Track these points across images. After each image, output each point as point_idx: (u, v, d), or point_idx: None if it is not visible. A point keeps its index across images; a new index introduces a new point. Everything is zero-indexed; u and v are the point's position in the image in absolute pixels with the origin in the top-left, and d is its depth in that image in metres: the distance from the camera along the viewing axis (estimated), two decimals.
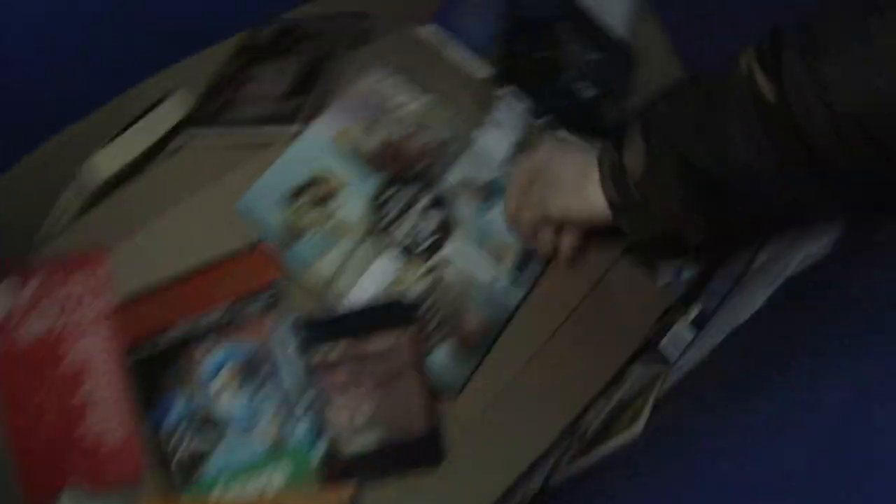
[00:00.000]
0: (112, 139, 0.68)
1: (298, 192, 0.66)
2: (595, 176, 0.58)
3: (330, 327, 0.65)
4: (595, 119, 0.79)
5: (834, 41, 0.45)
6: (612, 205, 0.58)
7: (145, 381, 0.63)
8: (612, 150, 0.58)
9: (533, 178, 0.65)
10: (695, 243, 0.58)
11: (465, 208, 0.69)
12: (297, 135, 0.67)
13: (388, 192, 0.68)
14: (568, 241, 0.68)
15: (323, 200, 0.66)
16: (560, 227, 0.67)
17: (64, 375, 0.63)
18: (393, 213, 0.67)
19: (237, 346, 0.63)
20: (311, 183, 0.66)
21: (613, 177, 0.57)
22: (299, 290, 0.65)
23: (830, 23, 0.46)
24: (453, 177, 0.70)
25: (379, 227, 0.67)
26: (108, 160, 0.67)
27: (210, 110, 0.73)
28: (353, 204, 0.67)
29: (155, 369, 0.63)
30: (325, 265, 0.65)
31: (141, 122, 0.69)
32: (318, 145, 0.67)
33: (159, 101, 0.71)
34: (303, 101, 0.69)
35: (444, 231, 0.68)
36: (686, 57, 0.88)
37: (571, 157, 0.62)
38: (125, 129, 0.69)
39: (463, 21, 0.75)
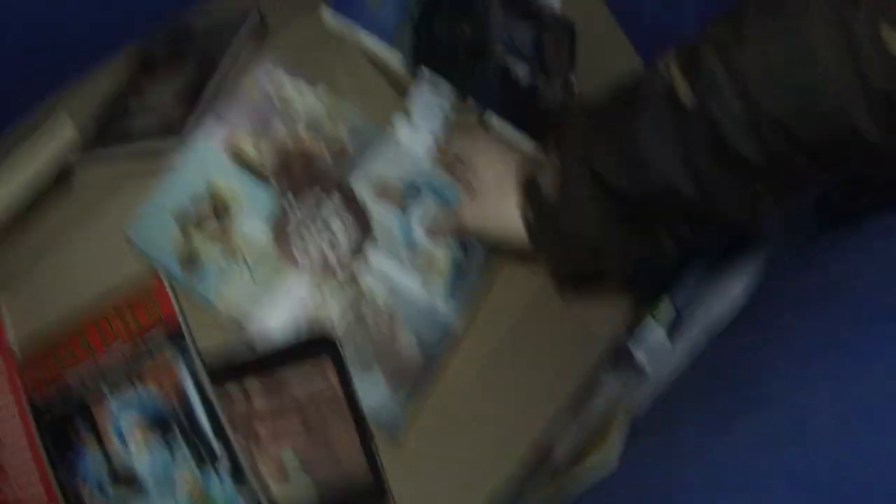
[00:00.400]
0: None
1: (190, 212, 0.57)
2: (513, 191, 0.53)
3: (243, 365, 0.56)
4: (532, 103, 0.70)
5: (753, 30, 0.38)
6: (528, 227, 0.53)
7: (56, 439, 0.56)
8: (531, 166, 0.53)
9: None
10: (618, 277, 0.53)
11: (382, 215, 0.60)
12: (180, 146, 0.58)
13: (287, 204, 0.58)
14: None
15: (218, 219, 0.57)
16: None
17: None
18: (296, 226, 0.58)
19: (144, 395, 0.54)
20: (203, 200, 0.57)
21: (530, 195, 0.52)
22: (204, 322, 0.56)
23: (752, 10, 0.39)
24: (363, 180, 0.61)
25: (281, 243, 0.57)
26: None
27: (98, 129, 0.64)
28: (252, 220, 0.57)
29: (64, 426, 0.55)
30: (230, 291, 0.56)
31: (21, 151, 0.60)
32: (205, 158, 0.58)
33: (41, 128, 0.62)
34: (187, 110, 0.59)
35: (358, 242, 0.59)
36: (632, 31, 0.81)
37: (493, 163, 0.56)
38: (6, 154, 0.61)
39: (365, 6, 0.65)
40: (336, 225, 0.59)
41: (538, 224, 0.52)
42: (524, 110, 0.69)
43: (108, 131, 0.64)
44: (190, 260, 0.56)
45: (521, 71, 0.71)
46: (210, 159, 0.58)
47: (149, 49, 0.69)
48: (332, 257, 0.58)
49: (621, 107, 0.47)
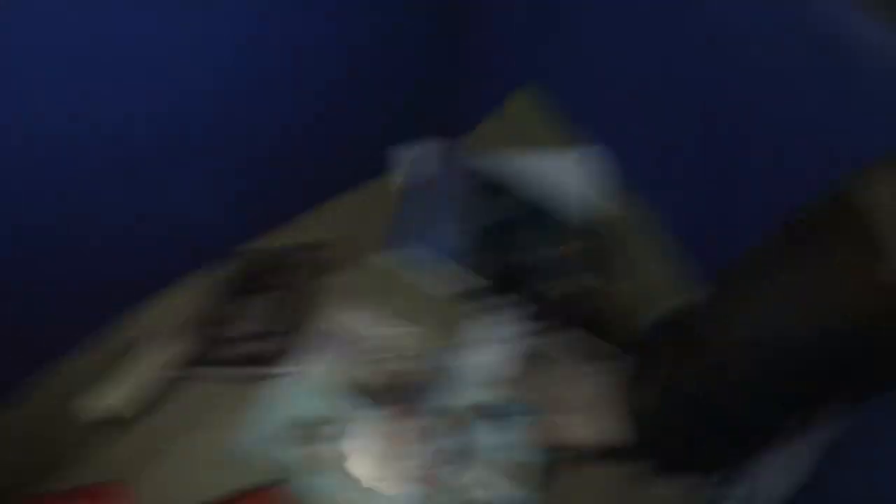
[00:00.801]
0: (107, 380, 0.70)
1: (305, 428, 0.66)
2: (607, 407, 0.60)
3: None
4: (588, 311, 0.79)
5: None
6: (626, 439, 0.59)
7: None
8: (619, 382, 0.60)
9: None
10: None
11: (477, 432, 0.69)
12: (282, 374, 0.69)
13: (392, 426, 0.67)
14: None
15: (322, 439, 0.66)
16: None
17: None
18: (402, 446, 0.67)
19: None
20: (311, 422, 0.67)
21: (630, 407, 0.59)
22: None
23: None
24: (457, 401, 0.70)
25: (390, 461, 0.66)
26: (95, 402, 0.69)
27: (200, 349, 0.74)
28: (357, 440, 0.67)
29: None
30: (339, 499, 0.64)
31: (128, 367, 0.71)
32: (312, 384, 0.69)
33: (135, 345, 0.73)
34: (280, 340, 0.72)
35: (461, 459, 0.67)
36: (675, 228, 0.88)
37: (579, 385, 0.64)
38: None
39: (416, 240, 0.78)
40: (437, 446, 0.67)
41: (638, 435, 0.58)
42: (582, 322, 0.77)
43: (210, 351, 0.74)
44: (303, 473, 0.65)
45: (568, 288, 0.80)
46: (317, 386, 0.69)
47: (226, 277, 0.79)
48: (437, 473, 0.66)
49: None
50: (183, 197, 0.71)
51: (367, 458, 0.66)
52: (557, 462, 0.68)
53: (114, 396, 0.69)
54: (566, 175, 0.84)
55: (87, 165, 0.60)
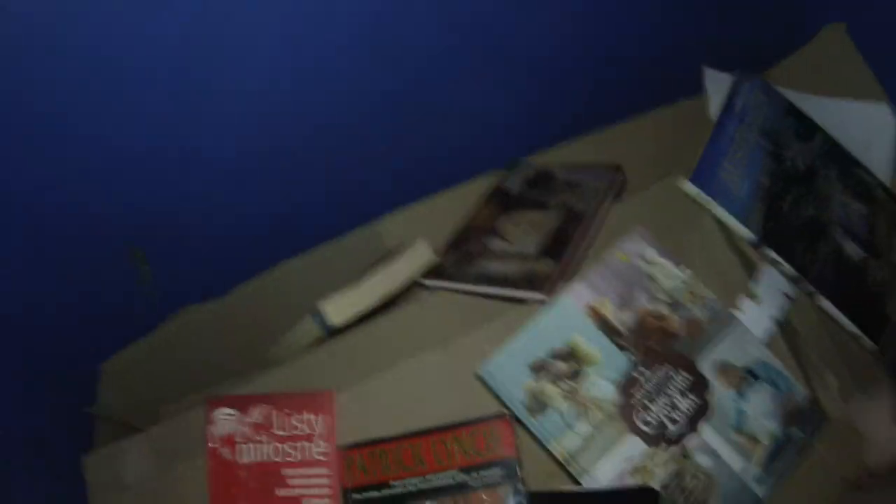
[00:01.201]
0: (351, 282, 0.68)
1: (545, 363, 0.63)
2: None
3: (565, 503, 0.62)
4: (859, 285, 0.71)
5: None
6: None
7: None
8: None
9: None
10: None
11: (719, 395, 0.64)
12: (544, 302, 0.64)
13: (639, 373, 0.63)
14: None
15: (570, 375, 0.63)
16: None
17: (282, 499, 0.65)
18: (642, 396, 0.63)
19: None
20: (560, 355, 0.63)
21: None
22: (537, 463, 0.62)
23: None
24: (709, 360, 0.65)
25: (626, 409, 0.62)
26: (346, 306, 0.66)
27: (452, 261, 0.71)
28: (601, 382, 0.63)
29: None
30: (568, 442, 0.61)
31: (381, 271, 0.68)
32: (569, 317, 0.63)
33: (399, 248, 0.71)
34: (553, 266, 0.65)
35: (695, 419, 0.63)
36: None
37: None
38: (364, 271, 0.69)
39: (722, 179, 0.68)
40: (678, 401, 0.63)
41: None
42: (852, 293, 0.70)
43: (462, 265, 0.70)
44: (538, 407, 0.62)
45: (852, 252, 0.72)
46: (574, 319, 0.63)
47: (505, 187, 0.75)
48: (669, 431, 0.63)
49: None
50: (474, 97, 0.68)
51: (598, 402, 0.62)
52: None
53: (346, 306, 0.68)
54: (870, 127, 0.72)
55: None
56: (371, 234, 0.75)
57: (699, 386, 0.64)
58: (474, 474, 0.62)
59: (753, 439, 0.64)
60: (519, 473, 0.61)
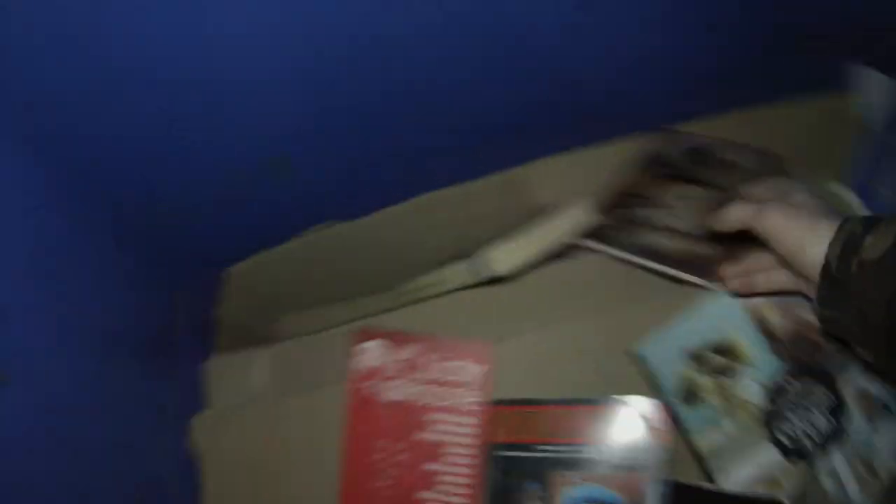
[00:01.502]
0: (512, 233, 0.65)
1: (703, 354, 0.62)
2: (828, 231, 0.51)
3: (701, 500, 0.60)
4: None
5: None
6: (824, 268, 0.50)
7: (498, 480, 0.62)
8: (860, 222, 0.50)
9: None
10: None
11: (855, 421, 0.63)
12: (711, 290, 0.63)
13: (786, 382, 0.62)
14: (769, 279, 0.59)
15: (725, 370, 0.62)
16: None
17: (423, 443, 0.63)
18: (785, 407, 0.62)
19: (600, 491, 0.60)
20: (718, 349, 0.62)
21: (844, 244, 0.49)
22: (677, 453, 0.61)
23: None
24: (851, 384, 0.64)
25: (769, 416, 0.61)
26: (511, 256, 0.63)
27: (611, 225, 0.68)
28: (752, 384, 0.62)
29: (510, 472, 0.62)
30: (712, 438, 0.60)
31: (543, 224, 0.65)
32: (732, 311, 0.62)
33: (558, 204, 0.67)
34: (716, 251, 0.64)
35: (829, 441, 0.62)
36: None
37: (818, 204, 0.55)
38: (521, 223, 0.66)
39: (876, 190, 0.68)
40: (817, 419, 0.62)
41: (834, 273, 0.50)
42: None
43: (621, 232, 0.68)
44: (690, 396, 0.61)
45: None
46: (736, 314, 0.62)
47: (661, 155, 0.73)
48: (804, 447, 0.62)
49: None
50: (628, 48, 0.64)
51: (746, 404, 0.61)
52: None
53: (506, 257, 0.65)
54: None
55: None
56: (510, 182, 0.70)
57: (838, 408, 0.63)
58: (613, 453, 0.60)
59: (874, 474, 0.64)
60: (663, 460, 0.60)
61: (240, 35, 0.49)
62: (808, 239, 0.52)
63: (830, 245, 0.50)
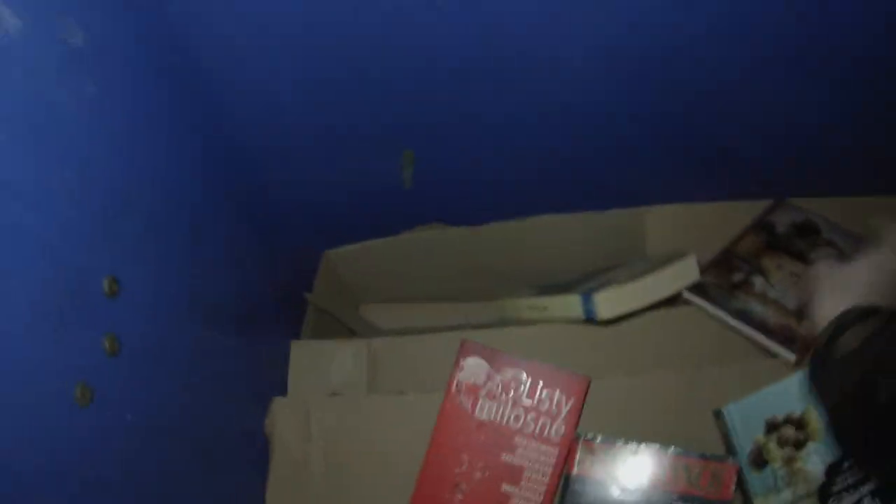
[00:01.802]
0: (622, 280, 0.66)
1: (779, 424, 0.64)
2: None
3: None
4: None
5: None
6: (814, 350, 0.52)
7: None
8: (857, 314, 0.50)
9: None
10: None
11: None
12: (796, 365, 0.65)
13: (847, 463, 0.66)
14: None
15: (795, 442, 0.64)
16: None
17: (504, 464, 0.64)
18: (841, 486, 0.65)
19: None
20: (792, 421, 0.64)
21: (832, 333, 0.50)
22: None
23: None
24: None
25: (826, 491, 0.64)
26: (617, 303, 0.64)
27: (714, 282, 0.71)
28: (816, 459, 0.64)
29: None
30: (771, 502, 0.63)
31: (652, 276, 0.66)
32: (811, 389, 0.65)
33: (668, 256, 0.69)
34: (809, 329, 0.66)
35: None
36: None
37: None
38: (633, 271, 0.67)
39: None
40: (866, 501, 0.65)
41: (822, 358, 0.51)
42: None
43: (725, 292, 0.70)
44: (757, 461, 0.64)
45: None
46: (812, 390, 0.65)
47: (770, 222, 0.75)
48: None
49: None
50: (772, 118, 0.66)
51: (808, 476, 0.64)
52: None
53: (616, 302, 0.64)
54: None
55: None
56: (628, 220, 0.72)
57: (887, 497, 0.67)
58: (687, 501, 0.62)
59: None
60: None
61: None
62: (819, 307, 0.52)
63: (822, 331, 0.51)
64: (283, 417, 0.64)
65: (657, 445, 0.63)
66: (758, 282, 0.71)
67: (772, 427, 0.64)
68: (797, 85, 0.61)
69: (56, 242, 0.39)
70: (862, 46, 0.59)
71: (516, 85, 0.58)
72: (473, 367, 0.63)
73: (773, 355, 0.67)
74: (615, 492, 0.63)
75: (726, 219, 0.73)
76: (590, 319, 0.65)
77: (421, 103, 0.59)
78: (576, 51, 0.56)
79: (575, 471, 0.64)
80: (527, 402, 0.64)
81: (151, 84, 0.49)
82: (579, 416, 0.64)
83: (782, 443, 0.64)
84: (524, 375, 0.64)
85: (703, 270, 0.70)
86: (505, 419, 0.64)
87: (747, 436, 0.64)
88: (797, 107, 0.64)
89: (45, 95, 0.39)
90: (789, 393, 0.65)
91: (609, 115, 0.62)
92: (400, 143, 0.62)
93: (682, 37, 0.55)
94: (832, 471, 0.65)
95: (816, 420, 0.65)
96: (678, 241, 0.70)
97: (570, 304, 0.66)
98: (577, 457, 0.63)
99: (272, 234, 0.65)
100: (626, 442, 0.63)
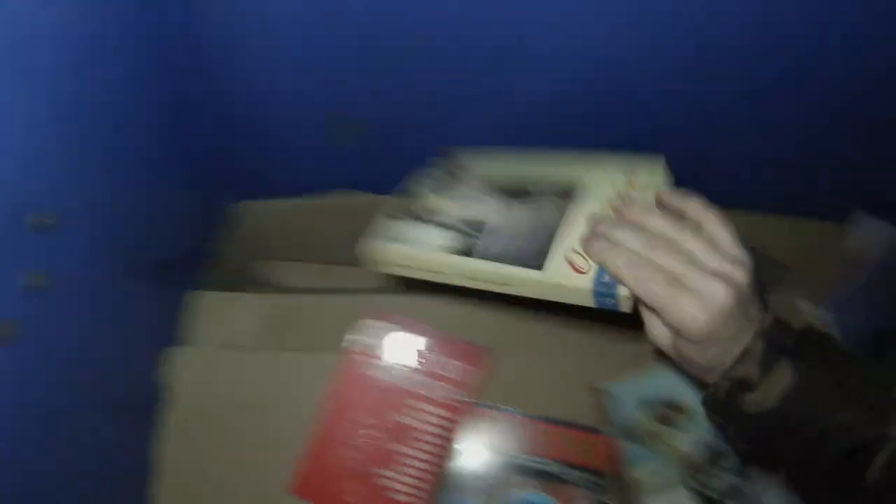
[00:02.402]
0: None
1: (655, 406, 0.70)
2: (738, 347, 0.47)
3: None
4: None
5: None
6: (713, 387, 0.49)
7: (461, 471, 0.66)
8: (758, 366, 0.47)
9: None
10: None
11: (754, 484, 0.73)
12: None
13: (722, 449, 0.71)
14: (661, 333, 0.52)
15: (668, 421, 0.70)
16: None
17: (395, 425, 0.66)
18: (714, 466, 0.70)
19: (544, 499, 0.66)
20: (669, 404, 0.70)
21: (734, 385, 0.48)
22: (618, 481, 0.68)
23: None
24: None
25: (698, 469, 0.69)
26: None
27: None
28: (687, 437, 0.70)
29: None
30: (642, 472, 0.68)
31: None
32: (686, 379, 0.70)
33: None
34: None
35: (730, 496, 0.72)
36: None
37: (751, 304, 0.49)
38: None
39: (848, 315, 0.76)
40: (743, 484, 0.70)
41: (724, 390, 0.48)
42: None
43: None
44: (635, 436, 0.69)
45: None
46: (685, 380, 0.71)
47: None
48: (713, 499, 0.70)
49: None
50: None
51: (677, 453, 0.69)
52: None
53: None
54: None
55: None
56: None
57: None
58: (566, 470, 0.67)
59: None
60: (603, 484, 0.67)
61: None
62: (717, 335, 0.47)
63: (723, 375, 0.48)
64: (181, 368, 0.64)
65: (545, 416, 0.67)
66: None
67: (650, 406, 0.70)
68: None
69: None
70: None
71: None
72: (373, 330, 0.65)
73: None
74: (504, 458, 0.66)
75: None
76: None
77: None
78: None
79: (467, 437, 0.67)
80: (424, 367, 0.66)
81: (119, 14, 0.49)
82: (476, 385, 0.67)
83: (658, 420, 0.70)
84: (423, 341, 0.66)
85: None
86: (402, 382, 0.66)
87: (628, 413, 0.69)
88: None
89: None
90: (670, 380, 0.70)
91: None
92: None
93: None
94: (710, 452, 0.71)
95: (691, 405, 0.70)
96: None
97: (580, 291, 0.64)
98: (470, 424, 0.66)
99: (191, 179, 0.65)
100: (518, 412, 0.67)
